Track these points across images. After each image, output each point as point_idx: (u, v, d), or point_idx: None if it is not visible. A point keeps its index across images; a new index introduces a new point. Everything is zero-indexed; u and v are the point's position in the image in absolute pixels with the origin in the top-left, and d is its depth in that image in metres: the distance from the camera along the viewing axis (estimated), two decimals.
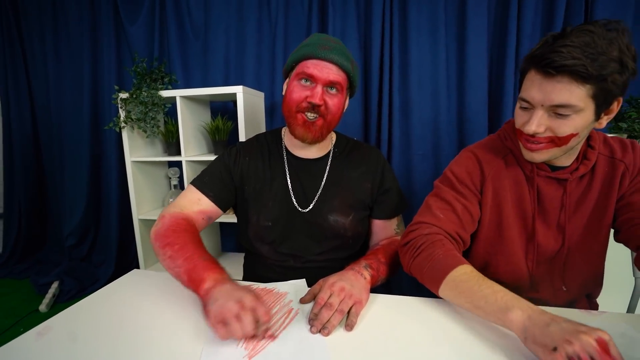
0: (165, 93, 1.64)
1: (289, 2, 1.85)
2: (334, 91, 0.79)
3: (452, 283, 0.60)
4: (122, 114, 1.66)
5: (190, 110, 1.70)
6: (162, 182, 1.98)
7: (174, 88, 1.75)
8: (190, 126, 1.69)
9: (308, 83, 0.78)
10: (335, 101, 0.80)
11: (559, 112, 0.59)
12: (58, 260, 2.38)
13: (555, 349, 0.43)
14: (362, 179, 0.88)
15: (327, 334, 0.56)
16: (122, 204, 2.13)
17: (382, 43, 1.74)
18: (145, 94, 1.60)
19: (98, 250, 2.36)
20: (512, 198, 0.73)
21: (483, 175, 0.74)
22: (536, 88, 0.59)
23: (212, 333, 0.55)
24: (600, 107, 0.59)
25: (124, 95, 1.64)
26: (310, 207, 0.85)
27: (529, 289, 0.76)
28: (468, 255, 0.80)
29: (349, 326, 0.58)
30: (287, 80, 0.83)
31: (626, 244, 0.68)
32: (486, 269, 0.78)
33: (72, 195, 2.31)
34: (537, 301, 0.55)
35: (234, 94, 1.52)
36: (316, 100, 0.77)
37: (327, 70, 0.77)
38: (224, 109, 1.97)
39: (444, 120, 1.73)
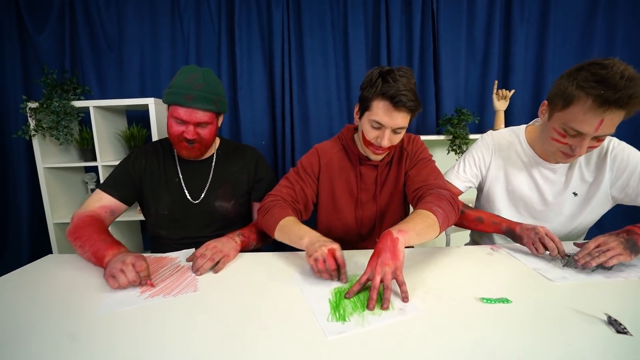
0: (78, 103, 1.72)
1: (200, 23, 2.05)
2: (203, 125, 0.99)
3: (280, 227, 0.88)
4: (31, 122, 1.69)
5: (105, 119, 1.80)
6: (78, 187, 2.02)
7: (87, 98, 1.84)
8: (106, 133, 1.79)
9: (181, 122, 0.97)
10: (206, 131, 1.00)
11: (397, 131, 0.91)
12: None
13: (310, 256, 0.74)
14: (240, 172, 1.13)
15: (200, 274, 0.80)
16: (34, 212, 2.10)
17: (282, 62, 2.04)
18: (57, 104, 1.67)
19: (7, 264, 2.25)
20: (341, 179, 1.05)
21: (320, 164, 1.05)
22: (387, 116, 0.86)
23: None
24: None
25: (33, 104, 1.68)
26: (200, 199, 1.08)
27: (358, 242, 1.08)
28: (316, 223, 1.11)
29: (216, 270, 0.82)
30: (168, 108, 0.99)
31: (409, 199, 1.02)
32: (329, 232, 1.08)
33: None
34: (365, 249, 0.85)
35: (147, 105, 1.68)
36: (189, 137, 0.97)
37: (194, 115, 0.96)
38: (142, 117, 2.08)
39: (336, 126, 2.09)
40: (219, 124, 1.07)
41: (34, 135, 1.70)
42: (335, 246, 0.73)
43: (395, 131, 0.91)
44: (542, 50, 2.04)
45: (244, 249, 0.97)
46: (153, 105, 1.68)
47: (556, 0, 2.00)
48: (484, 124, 2.06)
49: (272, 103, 2.11)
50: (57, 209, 1.84)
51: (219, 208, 1.09)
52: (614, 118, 0.76)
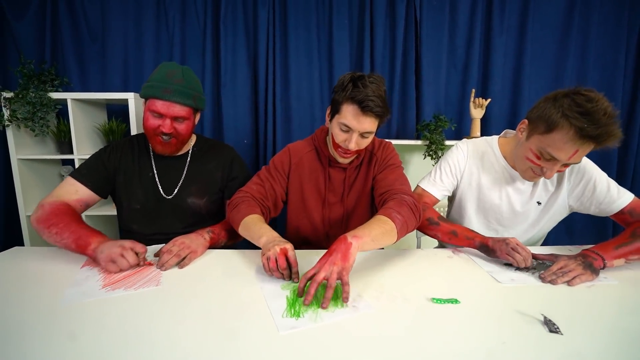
0: (56, 95, 1.70)
1: (185, 18, 2.04)
2: (180, 120, 1.01)
3: (243, 224, 0.91)
4: (5, 112, 1.66)
5: (84, 111, 1.78)
6: (54, 179, 1.99)
7: (66, 90, 1.81)
8: (84, 126, 1.77)
9: (158, 116, 0.99)
10: (183, 126, 1.02)
11: (365, 135, 0.93)
12: None
13: (264, 254, 0.76)
14: (215, 170, 1.14)
15: (164, 270, 0.81)
16: (5, 204, 2.05)
17: (266, 61, 2.04)
18: (33, 95, 1.64)
19: None
20: (310, 180, 1.08)
21: (290, 163, 1.08)
22: (355, 120, 0.89)
23: (75, 277, 0.77)
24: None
25: (8, 94, 1.65)
26: (173, 194, 1.10)
27: (325, 242, 1.11)
28: (286, 221, 1.13)
29: (181, 266, 0.84)
30: (145, 103, 1.02)
31: (375, 203, 1.04)
32: (297, 231, 1.11)
33: None
34: None
35: (127, 100, 1.67)
36: (166, 130, 0.99)
37: (172, 109, 0.98)
38: (122, 111, 2.06)
39: (318, 127, 2.07)
40: (196, 121, 1.09)
41: (7, 125, 1.67)
42: (289, 246, 0.76)
43: (362, 135, 0.94)
44: (520, 61, 2.11)
45: (214, 245, 0.99)
46: (133, 100, 1.67)
47: (534, 14, 2.07)
48: (462, 131, 2.12)
49: (255, 101, 2.11)
50: (31, 202, 1.81)
51: (191, 204, 1.11)
52: (587, 150, 0.81)
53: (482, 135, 1.97)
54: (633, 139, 2.16)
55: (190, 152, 1.14)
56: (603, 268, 0.84)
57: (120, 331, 0.57)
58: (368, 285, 0.75)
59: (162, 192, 1.09)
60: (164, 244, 0.94)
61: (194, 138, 1.18)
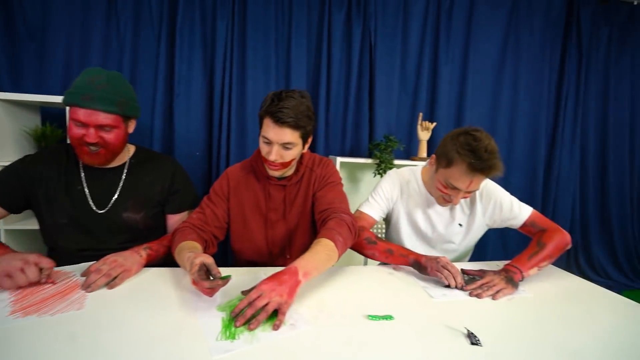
0: None
1: (138, 24, 1.94)
2: (107, 129, 0.93)
3: (178, 251, 0.88)
4: None
5: (11, 114, 1.62)
6: None
7: None
8: (10, 130, 1.61)
9: (81, 125, 0.91)
10: (111, 136, 0.95)
11: (287, 146, 0.94)
12: None
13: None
14: (154, 183, 1.09)
15: (90, 291, 0.75)
16: None
17: (223, 74, 2.02)
18: None
19: None
20: (250, 200, 1.08)
21: (229, 187, 1.08)
22: (273, 132, 0.92)
23: None
24: (304, 141, 0.99)
25: None
26: (107, 208, 1.03)
27: (269, 262, 1.10)
28: (230, 245, 1.13)
29: (111, 287, 0.78)
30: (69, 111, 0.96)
31: (315, 219, 1.05)
32: (241, 253, 1.11)
33: None
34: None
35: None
36: (90, 140, 0.91)
37: (94, 117, 0.90)
38: (58, 116, 1.90)
39: None
40: (130, 130, 1.03)
41: None
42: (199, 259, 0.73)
43: (285, 147, 0.95)
44: (463, 89, 2.31)
45: (152, 262, 0.94)
46: None
47: (474, 49, 2.29)
48: (411, 151, 2.25)
49: (209, 114, 2.06)
50: None
51: (126, 219, 1.04)
52: (480, 179, 0.99)
53: (428, 155, 2.10)
54: (554, 160, 2.45)
55: (127, 163, 1.08)
56: (522, 280, 0.93)
57: None
58: (308, 303, 0.75)
59: (92, 206, 1.01)
60: (94, 262, 0.88)
61: (132, 149, 1.12)
